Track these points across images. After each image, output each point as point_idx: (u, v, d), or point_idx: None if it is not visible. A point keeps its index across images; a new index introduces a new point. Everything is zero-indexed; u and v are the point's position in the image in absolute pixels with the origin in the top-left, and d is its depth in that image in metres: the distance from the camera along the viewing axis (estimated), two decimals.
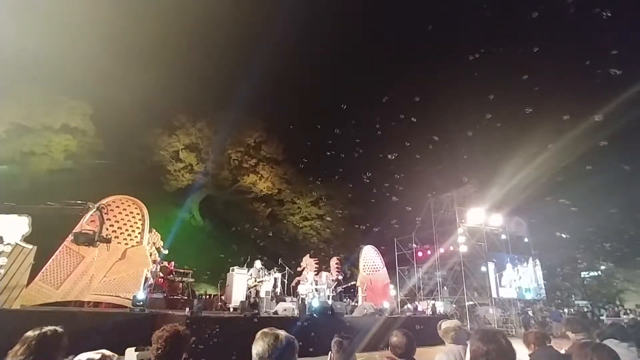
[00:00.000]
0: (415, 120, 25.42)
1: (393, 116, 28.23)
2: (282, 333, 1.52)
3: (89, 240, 5.74)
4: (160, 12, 24.65)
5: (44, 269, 10.07)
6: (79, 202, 6.86)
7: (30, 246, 8.67)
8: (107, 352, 2.11)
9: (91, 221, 9.42)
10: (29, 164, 21.18)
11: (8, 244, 8.28)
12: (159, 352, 2.16)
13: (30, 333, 2.15)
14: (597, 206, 26.51)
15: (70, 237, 5.85)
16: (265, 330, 2.69)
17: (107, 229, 10.12)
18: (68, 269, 10.43)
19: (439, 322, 3.54)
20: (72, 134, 22.25)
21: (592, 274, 35.15)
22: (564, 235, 26.21)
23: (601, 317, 21.66)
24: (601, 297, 32.17)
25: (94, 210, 5.95)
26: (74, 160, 22.95)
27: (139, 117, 24.43)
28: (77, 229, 8.08)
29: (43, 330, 2.18)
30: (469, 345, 1.74)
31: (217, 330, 7.92)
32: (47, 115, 20.93)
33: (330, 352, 2.91)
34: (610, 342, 2.33)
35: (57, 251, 10.49)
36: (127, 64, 23.62)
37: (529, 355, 3.64)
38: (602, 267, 34.32)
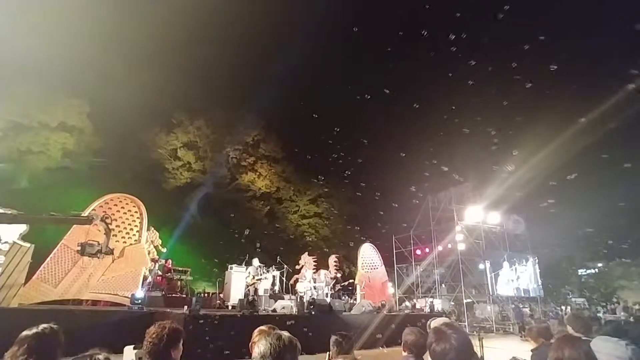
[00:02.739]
0: (414, 119, 25.48)
1: (392, 115, 28.29)
2: (284, 333, 1.53)
3: (94, 252, 5.72)
4: (159, 10, 24.53)
5: (41, 267, 10.06)
6: (79, 212, 6.85)
7: (27, 244, 8.66)
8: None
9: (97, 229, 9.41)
10: (27, 162, 21.08)
11: (5, 242, 8.26)
12: (149, 348, 2.21)
13: (26, 332, 2.13)
14: (595, 204, 26.63)
15: (78, 247, 5.81)
16: (263, 328, 2.71)
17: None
18: (66, 267, 10.42)
19: (429, 321, 3.50)
20: (70, 132, 22.14)
21: (589, 271, 35.35)
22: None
23: (598, 315, 21.77)
24: (598, 295, 32.36)
25: (98, 220, 5.92)
26: (71, 159, 22.83)
27: (137, 115, 24.29)
28: (82, 240, 8.09)
29: (40, 328, 2.15)
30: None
31: (216, 328, 7.94)
32: (44, 113, 20.82)
33: (328, 350, 2.91)
34: (606, 340, 2.35)
35: (55, 249, 10.49)
36: (125, 62, 23.50)
37: (531, 350, 3.65)
38: (599, 265, 34.50)
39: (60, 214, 5.49)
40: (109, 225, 6.15)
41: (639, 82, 18.42)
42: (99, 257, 5.98)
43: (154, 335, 2.24)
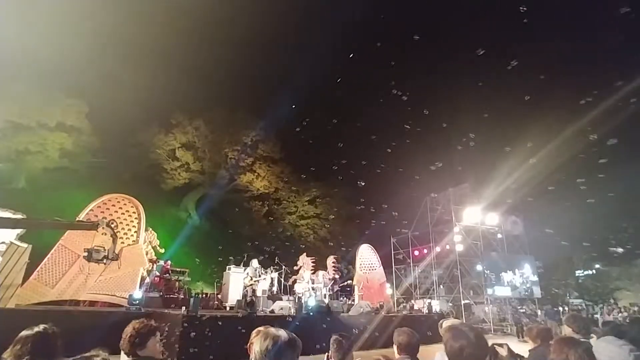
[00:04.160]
0: (412, 119, 25.48)
1: (391, 115, 28.29)
2: (284, 332, 1.52)
3: (101, 257, 5.68)
4: (158, 10, 24.51)
5: (39, 267, 10.03)
6: (78, 212, 6.83)
7: (25, 245, 8.62)
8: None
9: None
10: (25, 162, 21.02)
11: (3, 242, 8.22)
12: (126, 344, 2.29)
13: (28, 331, 2.12)
14: (592, 205, 26.66)
15: (84, 253, 5.78)
16: (261, 328, 2.70)
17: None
18: (63, 267, 10.39)
19: (440, 321, 3.52)
20: (68, 132, 22.08)
21: (586, 272, 35.39)
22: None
23: (595, 316, 21.82)
24: (596, 296, 32.39)
25: (104, 225, 5.89)
26: (69, 159, 22.77)
27: (135, 116, 24.24)
28: (79, 240, 8.03)
29: (40, 328, 2.15)
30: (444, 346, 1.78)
31: (214, 328, 7.92)
32: (42, 113, 20.76)
33: (327, 350, 2.91)
34: (609, 342, 2.36)
35: (53, 250, 10.45)
36: (124, 62, 23.48)
37: (529, 351, 3.65)
38: (597, 266, 34.56)
39: (65, 220, 5.47)
40: (115, 231, 6.09)
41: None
42: (105, 263, 5.93)
43: (123, 335, 2.30)
